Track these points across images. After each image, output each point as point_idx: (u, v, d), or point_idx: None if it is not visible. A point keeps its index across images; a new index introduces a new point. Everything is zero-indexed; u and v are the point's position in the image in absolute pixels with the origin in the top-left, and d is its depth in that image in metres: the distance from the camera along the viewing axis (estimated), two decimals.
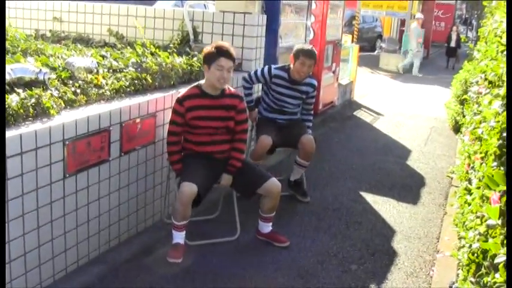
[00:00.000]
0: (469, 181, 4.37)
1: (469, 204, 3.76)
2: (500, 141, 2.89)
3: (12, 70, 3.97)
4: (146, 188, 4.97)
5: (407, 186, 6.96)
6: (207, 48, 4.73)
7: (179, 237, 4.66)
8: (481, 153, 3.71)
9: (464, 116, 7.55)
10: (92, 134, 4.14)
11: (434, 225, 5.76)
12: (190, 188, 4.45)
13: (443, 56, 23.12)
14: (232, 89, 4.96)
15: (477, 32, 8.06)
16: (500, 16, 4.72)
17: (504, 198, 2.35)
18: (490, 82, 4.09)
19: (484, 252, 2.79)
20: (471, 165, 4.45)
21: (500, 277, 2.25)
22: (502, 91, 2.99)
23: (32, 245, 3.77)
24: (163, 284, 4.28)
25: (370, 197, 6.44)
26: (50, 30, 7.31)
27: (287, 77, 5.91)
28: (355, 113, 11.70)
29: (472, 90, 5.84)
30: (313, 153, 6.01)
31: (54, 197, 3.89)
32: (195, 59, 5.86)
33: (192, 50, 6.17)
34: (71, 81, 4.44)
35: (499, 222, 2.40)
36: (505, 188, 2.34)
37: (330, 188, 6.67)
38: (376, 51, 24.32)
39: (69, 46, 6.04)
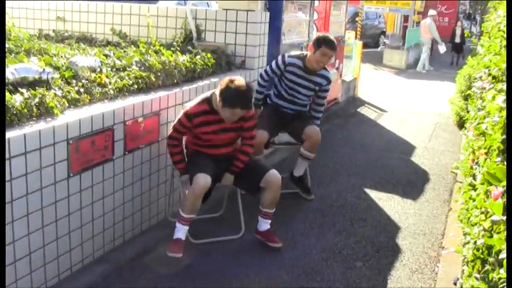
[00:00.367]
0: (474, 177, 4.37)
1: (474, 200, 3.75)
2: (504, 136, 2.89)
3: (16, 70, 3.98)
4: (150, 187, 4.98)
5: (412, 183, 6.95)
6: (225, 86, 4.51)
7: (182, 231, 4.62)
8: (485, 148, 3.70)
9: (468, 112, 7.54)
10: (95, 133, 4.14)
11: (439, 221, 5.75)
12: (205, 179, 4.47)
13: (447, 51, 23.01)
14: None
15: (481, 27, 8.04)
16: (504, 11, 4.71)
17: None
18: (494, 77, 4.09)
19: (489, 248, 2.78)
20: (475, 160, 4.45)
21: (504, 273, 2.24)
22: (506, 86, 2.99)
23: (36, 244, 3.78)
24: (168, 283, 4.28)
25: (374, 194, 6.44)
26: (53, 30, 7.32)
27: (302, 65, 5.81)
28: (358, 110, 11.68)
29: (476, 85, 5.82)
30: (318, 144, 5.94)
31: (59, 197, 3.90)
32: (198, 57, 5.86)
33: (195, 48, 6.17)
34: (74, 81, 4.44)
35: (503, 218, 2.39)
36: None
37: (334, 185, 6.67)
38: (380, 48, 24.26)
39: (73, 45, 6.04)
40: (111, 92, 4.59)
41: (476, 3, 39.95)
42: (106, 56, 5.32)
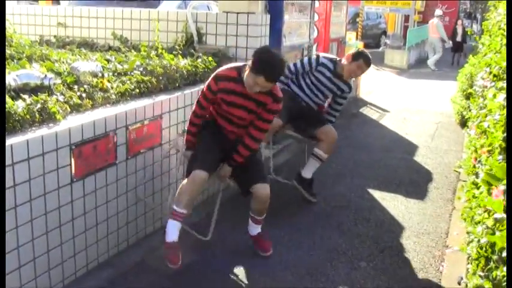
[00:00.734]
0: (477, 175, 4.36)
1: (477, 199, 3.75)
2: (505, 134, 2.89)
3: (18, 76, 3.99)
4: (154, 190, 4.98)
5: (415, 182, 6.95)
6: (260, 50, 4.49)
7: (175, 230, 4.42)
8: (488, 146, 3.70)
9: (470, 110, 7.54)
10: (98, 138, 4.15)
11: (442, 220, 5.75)
12: (201, 177, 4.38)
13: (449, 50, 22.95)
14: (274, 86, 4.54)
15: (481, 26, 8.04)
16: (504, 9, 4.71)
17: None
18: (495, 75, 4.09)
19: (492, 246, 2.78)
20: (478, 159, 4.44)
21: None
22: (506, 85, 2.99)
23: (41, 250, 3.78)
24: (173, 286, 4.29)
25: (377, 194, 6.44)
26: (55, 36, 7.33)
27: (332, 68, 5.97)
28: (361, 110, 11.68)
29: (477, 83, 5.83)
30: (334, 145, 6.04)
31: (62, 202, 3.91)
32: (199, 60, 5.87)
33: (197, 52, 6.18)
34: (76, 86, 4.45)
35: (505, 215, 2.39)
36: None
37: (337, 185, 6.67)
38: (381, 48, 24.27)
39: (74, 51, 6.05)
40: (113, 96, 4.61)
41: (476, 2, 39.94)
42: (107, 60, 5.34)
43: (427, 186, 6.82)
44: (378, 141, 9.03)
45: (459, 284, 4.10)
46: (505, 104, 2.96)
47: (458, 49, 21.91)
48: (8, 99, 3.63)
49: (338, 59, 6.10)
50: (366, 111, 11.72)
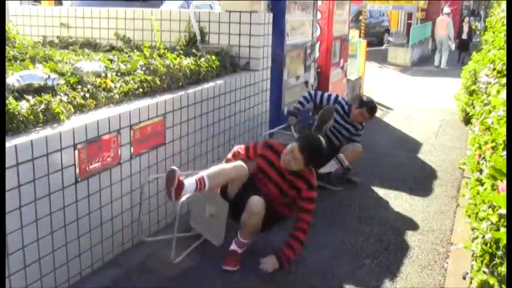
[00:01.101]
0: (481, 172, 4.36)
1: (481, 195, 3.75)
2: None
3: (21, 77, 3.99)
4: (158, 190, 4.98)
5: (419, 179, 6.95)
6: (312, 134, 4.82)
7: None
8: (492, 142, 3.70)
9: (474, 107, 7.53)
10: (102, 138, 4.15)
11: (447, 217, 5.74)
12: (245, 168, 4.50)
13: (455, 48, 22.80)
14: (311, 173, 4.61)
15: (485, 23, 8.03)
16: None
17: None
18: (499, 72, 4.08)
19: (497, 242, 2.79)
20: (482, 155, 4.44)
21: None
22: (506, 84, 2.99)
23: (46, 250, 3.79)
24: (177, 285, 4.30)
25: (382, 191, 6.44)
26: (58, 36, 7.33)
27: (347, 109, 6.58)
28: None
29: (481, 80, 5.82)
30: (356, 159, 6.60)
31: (67, 202, 3.91)
32: (202, 59, 5.87)
33: (200, 51, 6.18)
34: (79, 86, 4.45)
35: None
36: None
37: (341, 183, 6.67)
38: (384, 46, 24.25)
39: (77, 51, 6.06)
40: (117, 96, 4.61)
41: None
42: (110, 60, 5.33)
43: (431, 184, 6.81)
44: (381, 139, 9.02)
45: (464, 278, 4.10)
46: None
47: (464, 47, 21.77)
48: (11, 100, 3.63)
49: (351, 104, 6.65)
50: None
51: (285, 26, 7.51)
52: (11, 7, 6.95)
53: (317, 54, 9.37)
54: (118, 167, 4.40)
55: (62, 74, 4.55)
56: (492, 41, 5.41)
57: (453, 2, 30.54)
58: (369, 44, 15.90)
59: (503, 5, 5.28)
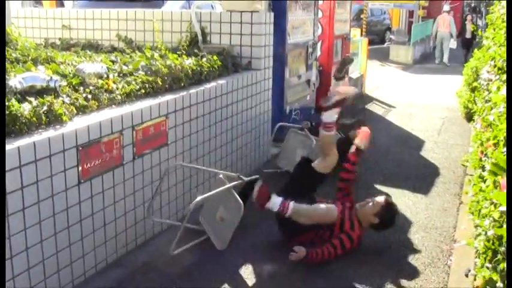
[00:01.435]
0: (483, 168, 4.36)
1: (484, 192, 3.75)
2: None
3: (24, 79, 4.01)
4: (161, 190, 4.99)
5: (422, 177, 6.94)
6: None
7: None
8: (493, 139, 3.70)
9: (476, 104, 7.53)
10: (104, 139, 4.17)
11: (450, 214, 5.74)
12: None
13: (459, 47, 22.60)
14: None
15: (486, 20, 8.03)
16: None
17: None
18: (499, 68, 4.09)
19: (500, 238, 2.79)
20: (484, 152, 4.44)
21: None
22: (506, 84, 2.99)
23: (50, 251, 3.81)
24: (180, 287, 4.30)
25: (385, 189, 6.42)
26: (59, 38, 7.36)
27: None
28: (366, 106, 11.66)
29: (482, 77, 5.82)
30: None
31: (70, 203, 3.93)
32: (204, 59, 5.88)
33: (201, 51, 6.19)
34: (81, 88, 4.47)
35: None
36: None
37: None
38: (386, 44, 24.23)
39: (79, 53, 6.08)
40: (119, 97, 4.62)
41: None
42: (112, 62, 5.35)
43: (434, 181, 6.81)
44: (384, 137, 9.01)
45: (466, 276, 4.10)
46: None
47: (468, 46, 21.58)
48: (14, 102, 3.65)
49: None
50: (371, 107, 11.71)
51: (286, 25, 7.53)
52: (12, 9, 6.97)
53: (319, 53, 9.39)
54: (121, 168, 4.41)
55: (64, 76, 4.56)
56: (492, 38, 5.41)
57: (454, 0, 30.56)
58: (371, 43, 15.90)
59: (504, 1, 5.28)
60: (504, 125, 3.00)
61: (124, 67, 5.16)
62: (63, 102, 4.08)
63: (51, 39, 7.40)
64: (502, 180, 2.50)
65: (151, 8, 8.03)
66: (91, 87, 4.50)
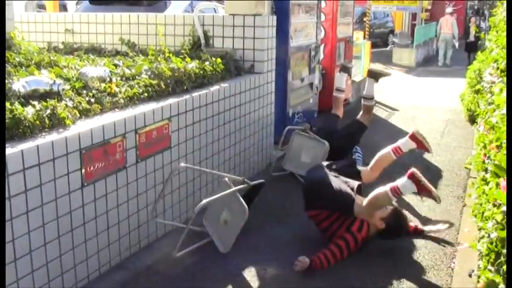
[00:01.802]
0: (486, 171, 4.36)
1: (487, 194, 3.75)
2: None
3: (27, 83, 4.02)
4: (164, 193, 5.00)
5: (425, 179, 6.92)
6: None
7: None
8: (496, 141, 3.70)
9: (479, 106, 7.52)
10: (107, 142, 4.17)
11: (453, 217, 5.73)
12: None
13: (461, 48, 22.56)
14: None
15: (489, 22, 8.04)
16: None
17: None
18: (502, 70, 4.09)
19: (503, 240, 2.79)
20: (487, 154, 4.44)
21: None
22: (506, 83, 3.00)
23: (53, 254, 3.82)
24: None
25: None
26: (63, 42, 7.38)
27: None
28: None
29: (485, 79, 5.82)
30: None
31: (74, 206, 3.93)
32: (207, 63, 5.88)
33: (204, 55, 6.20)
34: (85, 91, 4.48)
35: None
36: None
37: None
38: (389, 47, 24.22)
39: (82, 57, 6.09)
40: (122, 101, 4.63)
41: None
42: (115, 65, 5.37)
43: (438, 184, 6.80)
44: (387, 140, 8.93)
45: (470, 276, 4.10)
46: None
47: (472, 48, 21.45)
48: (17, 106, 3.66)
49: None
50: (374, 110, 11.67)
51: (289, 28, 7.53)
52: (16, 14, 6.99)
53: (321, 56, 9.39)
54: (124, 171, 4.42)
55: (67, 80, 4.58)
56: (495, 40, 5.41)
57: (457, 2, 30.57)
58: (374, 45, 15.91)
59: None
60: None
61: (127, 71, 5.17)
62: (66, 105, 4.09)
63: (54, 43, 7.42)
64: (502, 180, 2.50)
65: (154, 11, 8.06)
66: (94, 91, 4.51)
